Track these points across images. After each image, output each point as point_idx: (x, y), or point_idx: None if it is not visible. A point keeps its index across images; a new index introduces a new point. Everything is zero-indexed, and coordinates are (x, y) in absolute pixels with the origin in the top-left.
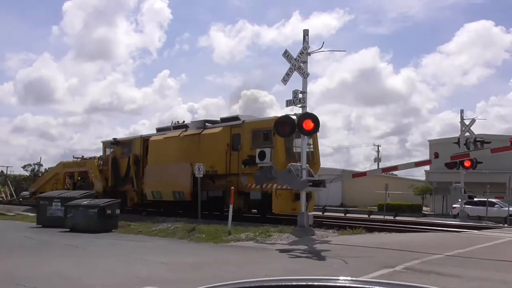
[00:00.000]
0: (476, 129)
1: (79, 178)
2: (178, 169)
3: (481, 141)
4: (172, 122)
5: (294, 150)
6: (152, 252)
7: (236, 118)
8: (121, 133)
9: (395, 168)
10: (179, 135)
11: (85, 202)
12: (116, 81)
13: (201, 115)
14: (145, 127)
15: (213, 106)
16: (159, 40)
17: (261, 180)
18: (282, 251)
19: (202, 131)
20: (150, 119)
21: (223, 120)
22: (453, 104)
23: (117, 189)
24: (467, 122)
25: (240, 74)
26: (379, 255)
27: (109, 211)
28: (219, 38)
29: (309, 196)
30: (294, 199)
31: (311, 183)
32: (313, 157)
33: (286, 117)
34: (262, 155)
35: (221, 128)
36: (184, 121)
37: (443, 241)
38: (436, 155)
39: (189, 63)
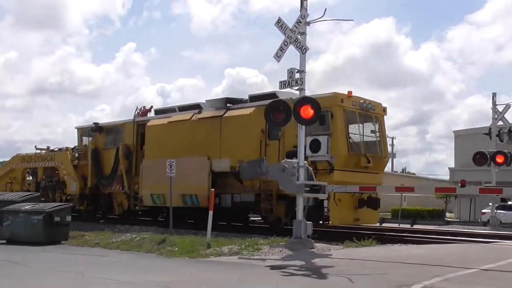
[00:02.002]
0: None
1: (44, 176)
2: (191, 164)
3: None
4: (136, 109)
5: (359, 139)
6: (112, 269)
7: (272, 95)
8: (74, 121)
9: (411, 189)
10: (191, 118)
11: (27, 207)
12: (68, 55)
13: (175, 99)
14: (104, 113)
15: (190, 88)
16: (123, 5)
17: (248, 173)
18: (273, 267)
19: (225, 113)
20: (110, 104)
21: (253, 98)
22: (484, 86)
23: (99, 191)
24: (500, 108)
25: (225, 49)
26: (393, 271)
27: (57, 218)
28: (198, 4)
29: (373, 202)
30: (357, 206)
31: (308, 188)
32: (380, 149)
33: (280, 102)
34: (315, 146)
35: (253, 109)
36: (151, 107)
37: (470, 254)
38: (464, 183)
39: (160, 34)
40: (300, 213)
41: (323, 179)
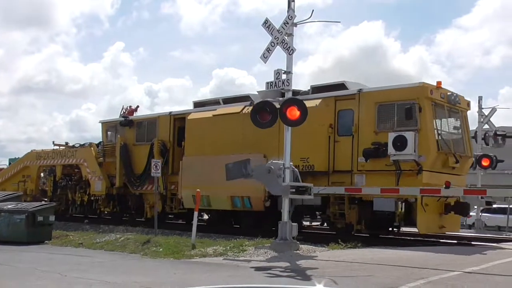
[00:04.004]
0: (498, 121)
1: (63, 174)
2: None
3: (503, 135)
4: (122, 108)
5: (448, 136)
6: (96, 269)
7: (341, 85)
8: (60, 119)
9: (396, 190)
10: (242, 111)
11: (9, 206)
12: (55, 54)
13: (163, 99)
14: (91, 112)
15: (177, 88)
16: (112, 5)
17: (234, 174)
18: (258, 269)
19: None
20: (97, 103)
21: (317, 89)
22: (471, 90)
23: (128, 191)
24: (486, 111)
25: (213, 49)
26: (378, 274)
27: (40, 218)
28: (187, 5)
29: (462, 208)
30: (443, 212)
31: (294, 189)
32: (465, 147)
33: (265, 103)
34: (400, 143)
35: (319, 101)
36: (138, 106)
37: (455, 256)
38: (448, 185)
39: (149, 34)
40: (285, 215)
41: (409, 181)
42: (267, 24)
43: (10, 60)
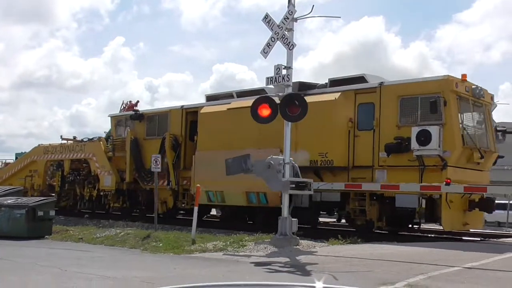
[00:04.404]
0: (498, 117)
1: (71, 169)
2: (258, 157)
3: (502, 131)
4: (122, 103)
5: (472, 131)
6: (96, 264)
7: (361, 78)
8: (60, 114)
9: (396, 187)
10: None
11: (9, 201)
12: (56, 49)
13: (163, 94)
14: (91, 107)
15: (178, 84)
16: (112, 0)
17: (233, 169)
18: (258, 264)
19: None
20: (97, 98)
21: (335, 82)
22: None
23: (138, 186)
24: None
25: (214, 44)
26: (378, 269)
27: (40, 213)
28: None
29: (487, 204)
30: (467, 208)
31: (294, 185)
32: (488, 142)
33: (265, 98)
34: (424, 137)
35: (338, 94)
36: (138, 101)
37: (455, 252)
38: (449, 182)
39: (149, 29)
40: (285, 210)
41: (432, 177)
42: (267, 19)
43: (11, 55)
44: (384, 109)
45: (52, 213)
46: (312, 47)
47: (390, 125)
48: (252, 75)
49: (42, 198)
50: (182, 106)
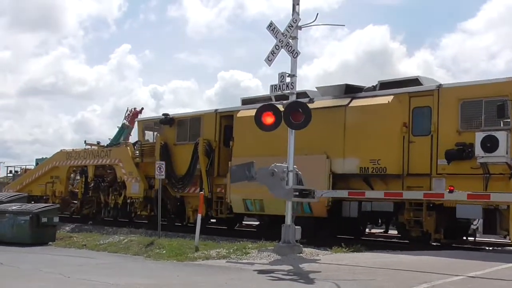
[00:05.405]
0: None
1: (94, 175)
2: (302, 164)
3: None
4: (127, 110)
5: None
6: (99, 271)
7: (415, 81)
8: (65, 121)
9: (399, 194)
10: None
11: (13, 208)
12: (62, 57)
13: (168, 101)
14: (96, 114)
15: (183, 91)
16: (119, 9)
17: (237, 176)
18: (261, 272)
19: (349, 102)
20: (102, 105)
21: (386, 85)
22: None
23: (168, 194)
24: None
25: (219, 52)
26: (381, 277)
27: (44, 219)
28: (194, 8)
29: None
30: None
31: (297, 193)
32: None
33: (269, 106)
34: (490, 144)
35: (391, 97)
36: (142, 108)
37: (458, 260)
38: (452, 189)
39: (155, 37)
40: (288, 217)
41: (499, 186)
42: (271, 27)
43: (19, 62)
44: (442, 113)
45: (56, 219)
46: (316, 55)
47: (449, 130)
48: (257, 82)
49: (46, 204)
50: (216, 110)
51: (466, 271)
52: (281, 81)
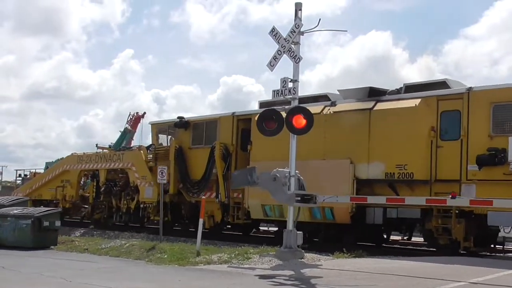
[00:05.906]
0: None
1: (106, 179)
2: (324, 169)
3: None
4: (129, 114)
5: None
6: (101, 275)
7: (442, 84)
8: (68, 125)
9: (401, 200)
10: (322, 111)
11: (15, 211)
12: (66, 61)
13: (171, 106)
14: (98, 118)
15: (186, 96)
16: (122, 14)
17: (239, 182)
18: (262, 277)
19: (374, 105)
20: (105, 109)
21: (412, 88)
22: None
23: (182, 199)
24: None
25: (222, 57)
26: (382, 283)
27: (46, 223)
28: (197, 13)
29: None
30: None
31: (299, 198)
32: None
33: (272, 111)
34: None
35: (418, 100)
36: (144, 113)
37: (460, 266)
38: (454, 195)
39: (158, 42)
40: (290, 222)
41: None
42: (274, 33)
43: (22, 66)
44: (473, 117)
45: (58, 223)
46: (319, 60)
47: (480, 135)
48: (259, 87)
49: (48, 208)
50: (233, 113)
51: (468, 277)
52: (283, 86)
